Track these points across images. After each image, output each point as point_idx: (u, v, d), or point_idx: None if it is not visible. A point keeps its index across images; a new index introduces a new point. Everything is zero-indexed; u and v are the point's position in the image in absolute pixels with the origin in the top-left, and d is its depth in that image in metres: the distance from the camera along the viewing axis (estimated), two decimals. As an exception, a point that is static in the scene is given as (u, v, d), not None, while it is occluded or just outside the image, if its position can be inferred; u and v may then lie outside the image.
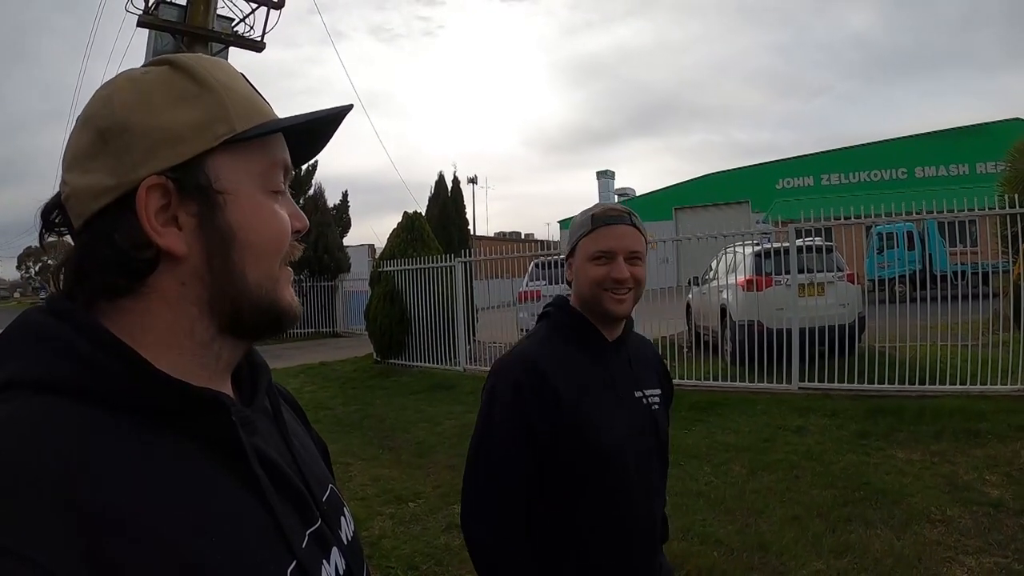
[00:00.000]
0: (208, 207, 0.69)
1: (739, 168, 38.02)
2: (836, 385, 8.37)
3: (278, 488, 0.71)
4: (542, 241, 42.34)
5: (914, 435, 6.48)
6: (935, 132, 32.26)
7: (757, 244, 10.09)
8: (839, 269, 9.50)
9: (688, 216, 36.15)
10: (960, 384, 7.84)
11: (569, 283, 1.72)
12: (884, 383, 8.17)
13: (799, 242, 9.07)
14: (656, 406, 1.73)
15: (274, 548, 0.68)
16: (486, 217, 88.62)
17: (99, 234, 0.66)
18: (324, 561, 0.75)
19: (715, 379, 9.17)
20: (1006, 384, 7.73)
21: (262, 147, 0.74)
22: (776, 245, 9.67)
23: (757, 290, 9.34)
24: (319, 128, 0.80)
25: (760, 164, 37.37)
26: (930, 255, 12.15)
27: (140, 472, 0.60)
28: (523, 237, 51.21)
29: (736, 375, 9.09)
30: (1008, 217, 9.03)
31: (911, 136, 33.03)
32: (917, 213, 8.96)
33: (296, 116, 0.76)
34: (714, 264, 10.83)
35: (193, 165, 0.68)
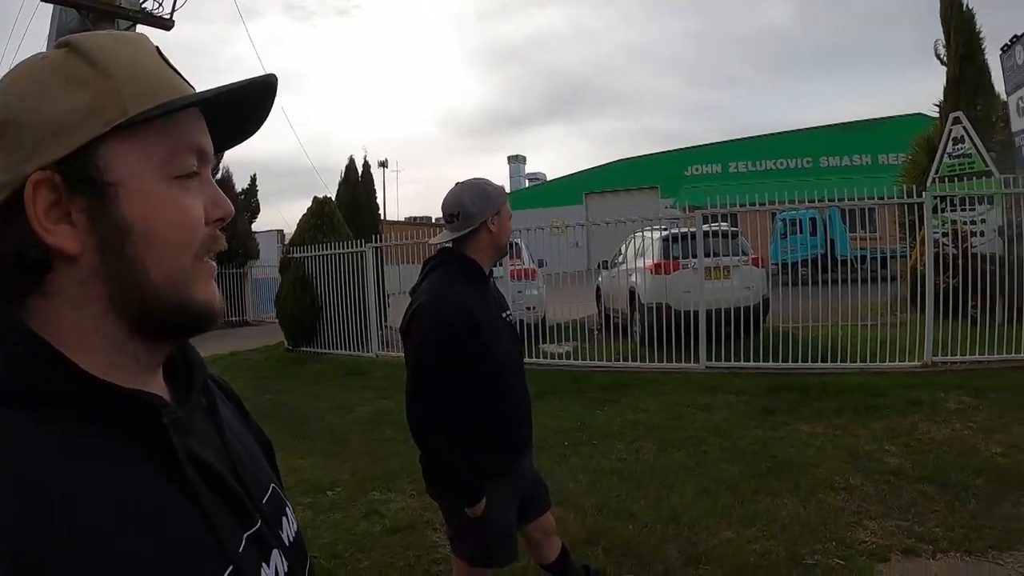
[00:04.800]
0: (98, 201, 0.64)
1: (649, 155, 38.88)
2: (742, 364, 8.76)
3: (213, 490, 0.69)
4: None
5: (817, 410, 6.75)
6: (840, 124, 34.00)
7: (665, 229, 10.33)
8: (744, 253, 9.97)
9: (598, 201, 36.77)
10: (861, 362, 8.32)
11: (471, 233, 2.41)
12: (788, 361, 8.60)
13: (706, 227, 9.40)
14: (513, 321, 2.60)
15: (208, 553, 0.66)
16: (397, 201, 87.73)
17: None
18: (264, 564, 0.73)
19: (625, 360, 9.35)
20: (904, 361, 8.28)
21: (163, 130, 0.67)
22: (684, 230, 9.98)
23: (665, 273, 9.67)
24: (246, 103, 0.74)
25: (670, 151, 38.23)
26: (832, 240, 12.74)
27: (65, 478, 0.57)
28: (434, 221, 50.74)
29: (645, 356, 9.32)
30: (907, 206, 9.60)
31: (817, 127, 34.64)
32: (820, 200, 9.41)
33: (205, 91, 0.70)
34: (623, 248, 11.04)
35: (82, 156, 0.63)
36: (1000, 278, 8.56)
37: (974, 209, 9.10)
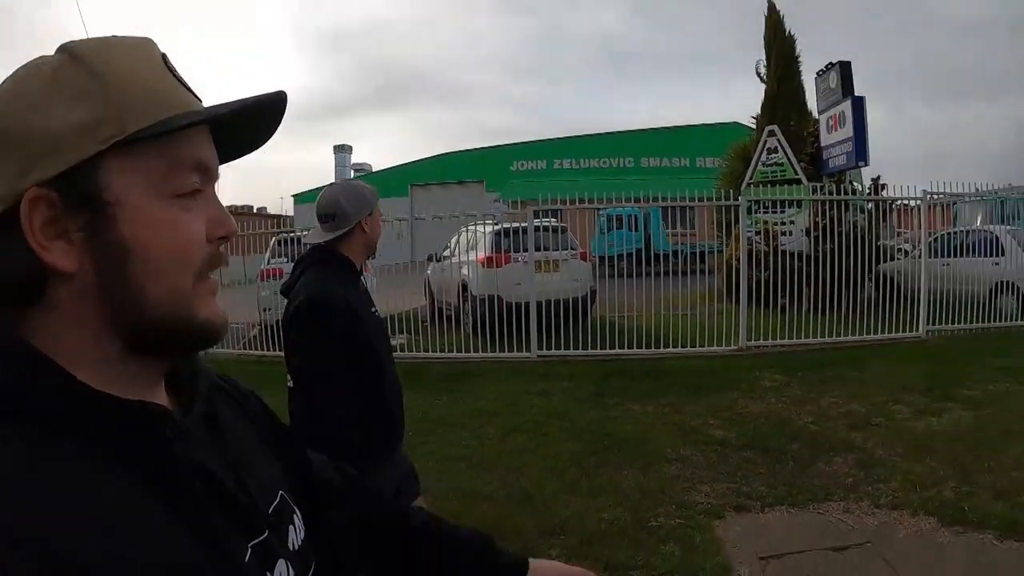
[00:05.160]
0: (96, 219, 0.62)
1: (476, 148, 39.19)
2: (572, 352, 9.18)
3: (218, 500, 0.68)
4: (278, 216, 40.38)
5: (646, 391, 7.18)
6: (662, 128, 36.52)
7: (496, 224, 10.62)
8: (572, 248, 10.41)
9: (423, 194, 36.65)
10: (683, 347, 9.05)
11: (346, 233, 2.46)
12: (616, 348, 9.14)
13: (536, 222, 9.74)
14: (381, 317, 2.69)
15: (211, 565, 0.63)
16: (217, 190, 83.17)
17: None
18: (268, 573, 0.72)
19: (458, 351, 9.45)
20: (721, 346, 9.11)
21: (163, 147, 0.65)
22: (515, 225, 10.29)
23: (496, 266, 9.85)
24: (253, 119, 0.72)
25: (497, 146, 38.80)
26: (649, 236, 13.56)
27: (60, 492, 0.56)
28: (256, 211, 48.36)
29: (479, 346, 9.46)
30: (724, 207, 10.54)
31: (640, 130, 36.83)
32: (644, 200, 10.09)
33: (210, 107, 0.69)
34: (453, 242, 11.18)
35: (80, 173, 0.61)
36: (806, 272, 9.63)
37: (783, 211, 10.17)
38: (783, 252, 9.70)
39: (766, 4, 14.14)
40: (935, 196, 10.42)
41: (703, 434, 5.74)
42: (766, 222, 10.13)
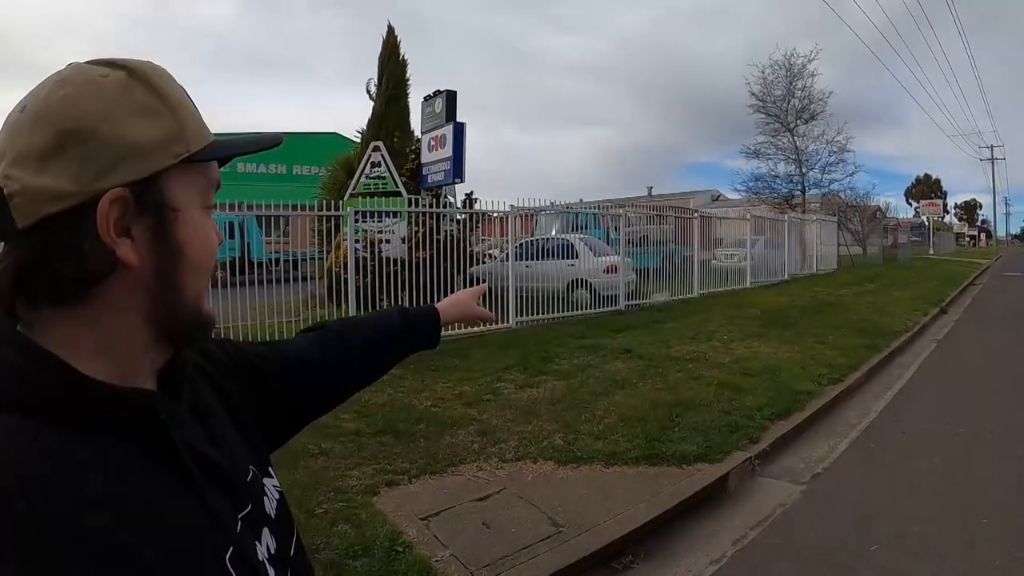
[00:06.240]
0: (162, 223, 0.71)
1: None
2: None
3: (209, 478, 0.75)
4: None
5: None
6: (260, 133, 34.72)
7: None
8: None
9: None
10: None
11: None
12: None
13: None
14: None
15: (211, 538, 0.73)
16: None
17: (54, 239, 0.67)
18: (256, 543, 0.80)
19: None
20: None
21: (205, 167, 0.78)
22: None
23: None
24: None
25: None
26: (248, 243, 13.41)
27: (74, 476, 0.63)
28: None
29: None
30: (326, 216, 11.09)
31: (235, 133, 34.30)
32: (243, 207, 10.10)
33: (237, 143, 0.82)
34: None
35: (151, 181, 0.70)
36: (405, 277, 10.50)
37: (383, 221, 10.96)
38: (384, 259, 10.48)
39: (386, 27, 15.03)
40: (520, 210, 12.27)
41: (338, 427, 6.05)
42: (367, 231, 10.84)
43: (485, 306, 1.67)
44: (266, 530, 0.83)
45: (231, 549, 0.73)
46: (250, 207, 10.05)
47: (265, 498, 0.87)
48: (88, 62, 0.72)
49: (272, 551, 0.83)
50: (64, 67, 0.72)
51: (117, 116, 0.68)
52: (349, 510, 4.36)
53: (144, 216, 0.70)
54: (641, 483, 4.74)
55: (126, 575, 0.61)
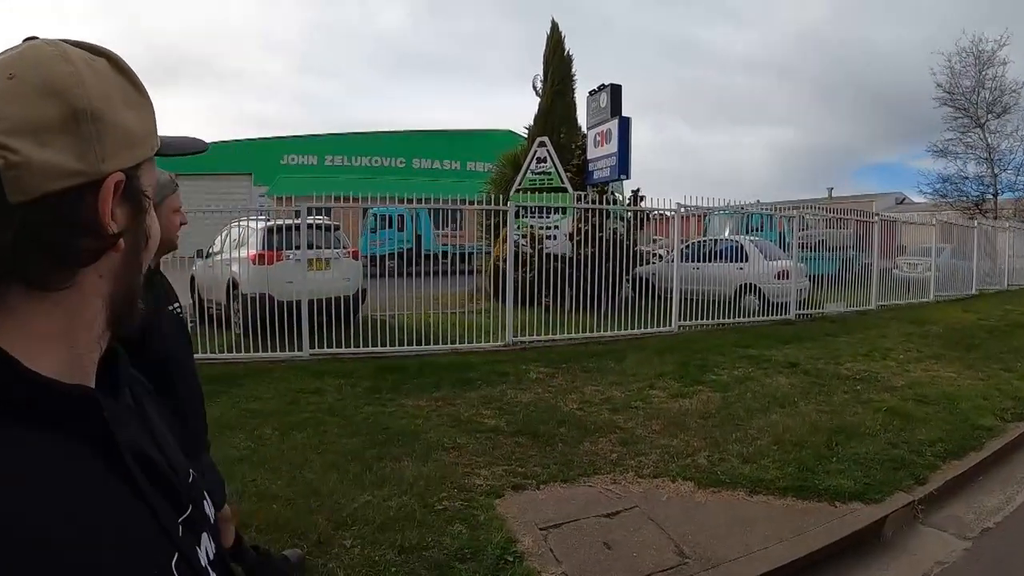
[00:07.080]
0: (139, 209, 0.73)
1: (245, 139, 36.37)
2: (344, 350, 9.16)
3: (152, 481, 0.73)
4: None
5: (418, 386, 7.35)
6: (435, 131, 36.85)
7: (267, 220, 10.34)
8: (343, 246, 10.37)
9: (189, 184, 34.06)
10: (451, 344, 9.34)
11: None
12: (387, 346, 9.24)
13: (309, 220, 9.63)
14: (182, 316, 2.71)
15: (157, 541, 0.70)
16: None
17: (51, 218, 0.64)
18: (197, 548, 0.78)
19: (228, 351, 9.03)
20: (489, 342, 9.54)
21: (153, 161, 0.79)
22: (288, 222, 10.11)
23: (267, 264, 9.56)
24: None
25: (267, 138, 36.71)
26: (419, 236, 13.86)
27: (15, 474, 0.59)
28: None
29: (249, 346, 9.10)
30: (492, 211, 11.15)
31: (412, 131, 36.90)
32: (414, 201, 10.38)
33: (195, 145, 0.89)
34: (220, 237, 10.67)
35: (135, 169, 0.71)
36: (568, 274, 10.41)
37: (548, 217, 10.90)
38: (547, 255, 10.37)
39: (550, 23, 15.17)
40: (687, 208, 11.78)
41: (477, 423, 6.01)
42: (532, 226, 10.81)
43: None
44: (205, 535, 0.82)
45: (176, 554, 0.70)
46: (418, 201, 10.33)
47: (205, 501, 0.86)
48: (65, 40, 0.70)
49: (211, 556, 0.81)
50: (38, 40, 0.68)
51: (115, 102, 0.69)
52: (468, 510, 4.25)
53: (127, 202, 0.71)
54: (786, 518, 4.20)
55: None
